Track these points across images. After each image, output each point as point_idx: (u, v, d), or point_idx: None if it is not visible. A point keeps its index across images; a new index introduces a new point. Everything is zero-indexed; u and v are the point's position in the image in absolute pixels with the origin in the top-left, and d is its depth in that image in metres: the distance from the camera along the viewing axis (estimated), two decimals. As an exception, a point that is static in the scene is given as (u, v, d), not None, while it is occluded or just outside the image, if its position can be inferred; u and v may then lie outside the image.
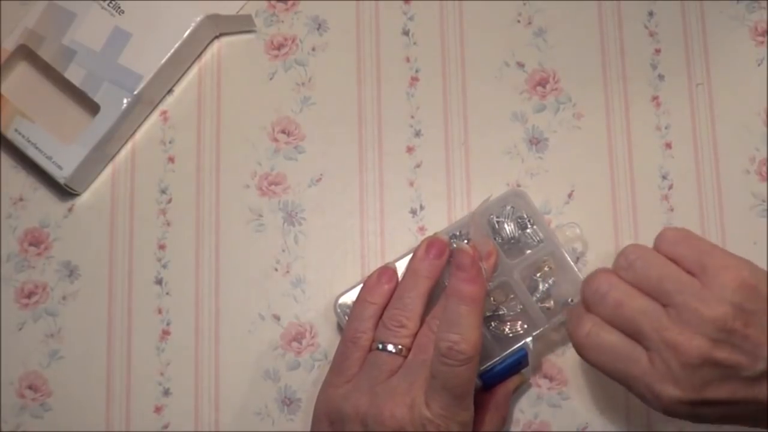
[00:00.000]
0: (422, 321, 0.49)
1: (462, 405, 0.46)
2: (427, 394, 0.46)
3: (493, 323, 0.52)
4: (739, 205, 0.57)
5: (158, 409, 0.55)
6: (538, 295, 0.53)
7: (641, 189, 0.57)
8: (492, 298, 0.53)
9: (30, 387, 0.56)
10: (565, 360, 0.55)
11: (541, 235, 0.53)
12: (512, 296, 0.53)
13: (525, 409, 0.55)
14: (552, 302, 0.53)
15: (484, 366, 0.51)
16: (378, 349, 0.48)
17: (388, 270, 0.51)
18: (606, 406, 0.55)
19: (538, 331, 0.52)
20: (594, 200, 0.57)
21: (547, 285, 0.53)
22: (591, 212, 0.57)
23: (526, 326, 0.52)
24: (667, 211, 0.57)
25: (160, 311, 0.56)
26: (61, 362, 0.56)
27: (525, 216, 0.53)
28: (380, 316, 0.49)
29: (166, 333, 0.56)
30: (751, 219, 0.57)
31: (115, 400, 0.55)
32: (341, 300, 0.54)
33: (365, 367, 0.48)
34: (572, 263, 0.52)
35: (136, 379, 0.56)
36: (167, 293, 0.57)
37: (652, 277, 0.44)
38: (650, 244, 0.49)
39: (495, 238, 0.53)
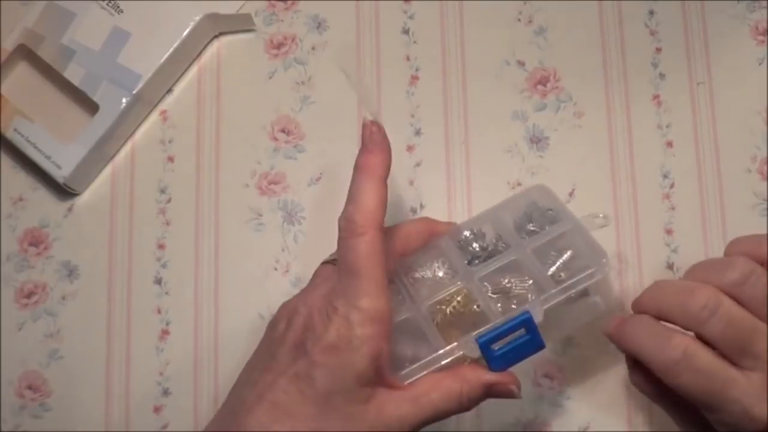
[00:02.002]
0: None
1: (361, 287, 0.41)
2: (339, 280, 0.43)
3: (500, 302, 0.48)
4: (740, 205, 0.57)
5: (158, 409, 0.55)
6: (553, 269, 0.49)
7: (642, 188, 0.57)
8: (504, 279, 0.49)
9: (29, 387, 0.56)
10: (566, 359, 0.55)
11: (563, 228, 0.49)
12: (525, 277, 0.48)
13: (525, 409, 0.55)
14: (564, 274, 0.48)
15: (484, 329, 0.46)
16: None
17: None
18: (607, 406, 0.55)
19: (545, 295, 0.46)
20: (595, 199, 0.57)
21: (562, 259, 0.49)
22: (592, 211, 0.57)
23: (534, 298, 0.48)
24: (669, 210, 0.57)
25: (159, 311, 0.56)
26: (61, 362, 0.56)
27: (552, 210, 0.50)
28: None
29: (165, 333, 0.56)
30: (752, 218, 0.57)
31: (114, 400, 0.55)
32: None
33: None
34: (590, 233, 0.48)
35: (136, 379, 0.56)
36: (167, 293, 0.57)
37: None
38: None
39: (520, 235, 0.50)
